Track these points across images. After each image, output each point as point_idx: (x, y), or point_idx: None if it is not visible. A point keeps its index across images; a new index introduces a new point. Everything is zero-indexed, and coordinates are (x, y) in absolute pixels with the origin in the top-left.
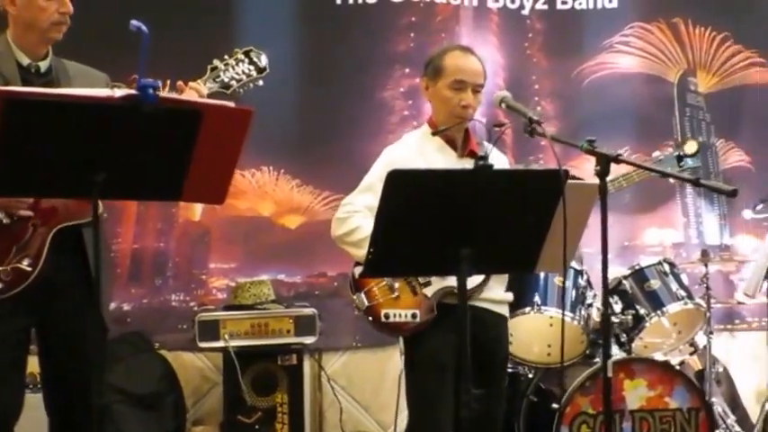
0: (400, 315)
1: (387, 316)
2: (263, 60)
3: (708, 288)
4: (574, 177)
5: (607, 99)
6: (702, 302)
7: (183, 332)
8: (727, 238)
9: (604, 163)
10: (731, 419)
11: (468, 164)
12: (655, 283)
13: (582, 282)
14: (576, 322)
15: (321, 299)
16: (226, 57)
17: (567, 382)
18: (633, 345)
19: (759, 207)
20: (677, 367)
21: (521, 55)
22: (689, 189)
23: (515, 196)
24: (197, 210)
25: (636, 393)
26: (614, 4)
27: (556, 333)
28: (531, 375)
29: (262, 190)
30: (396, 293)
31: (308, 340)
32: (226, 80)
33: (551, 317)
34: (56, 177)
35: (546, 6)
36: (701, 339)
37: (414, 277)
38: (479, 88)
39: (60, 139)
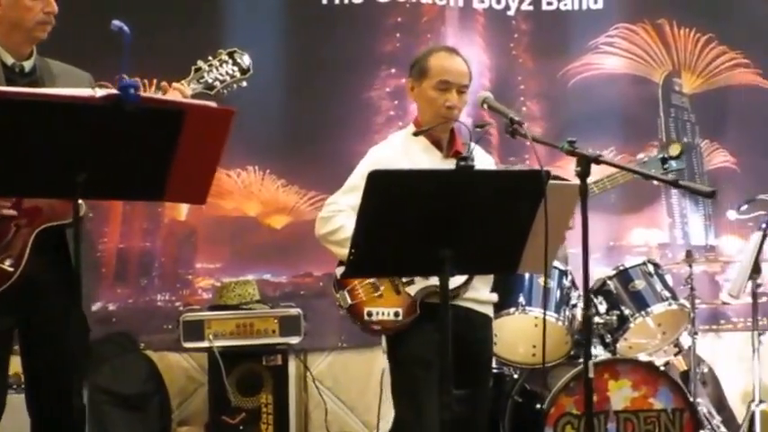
0: (383, 313)
1: (369, 314)
2: (247, 61)
3: (692, 289)
4: (557, 178)
5: (592, 100)
6: (687, 303)
7: (169, 332)
8: (712, 238)
9: (585, 164)
10: (717, 420)
11: (453, 165)
12: (639, 284)
13: (566, 282)
14: (560, 323)
15: (307, 299)
16: (210, 58)
17: (552, 383)
18: (618, 345)
19: (743, 208)
20: (662, 368)
21: (506, 56)
22: (674, 190)
23: (497, 197)
24: (183, 210)
25: (620, 394)
26: (599, 5)
27: (541, 334)
28: (516, 376)
29: (248, 190)
30: (379, 292)
31: (293, 340)
32: (209, 81)
33: (536, 317)
34: (38, 177)
35: (531, 7)
36: (685, 340)
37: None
38: (464, 89)
39: (42, 139)
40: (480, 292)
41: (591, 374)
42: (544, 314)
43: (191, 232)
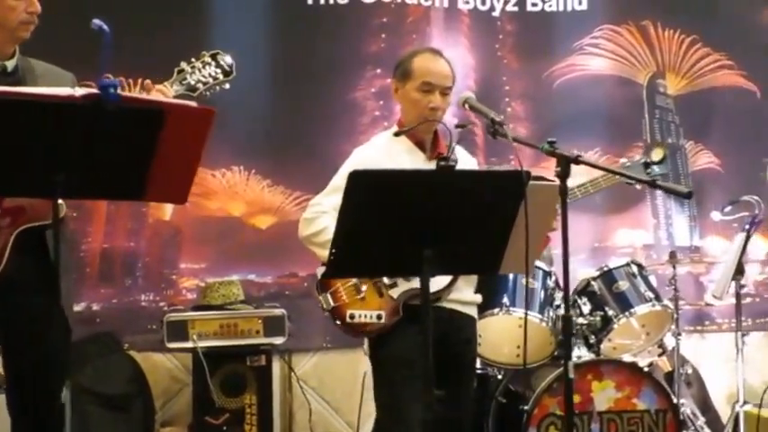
0: (365, 316)
1: (352, 316)
2: (230, 63)
3: (675, 290)
4: (539, 178)
5: (577, 101)
6: (670, 304)
7: (153, 333)
8: (697, 239)
9: (564, 164)
10: (701, 421)
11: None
12: (623, 285)
13: (550, 283)
14: (544, 324)
15: (292, 299)
16: (193, 59)
17: (536, 384)
18: (602, 346)
19: (727, 209)
20: (645, 369)
21: (491, 56)
22: (659, 191)
23: (477, 197)
24: (168, 210)
25: (604, 395)
26: (584, 7)
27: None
28: (500, 377)
29: (232, 190)
30: (362, 294)
31: (278, 341)
32: (192, 83)
33: (520, 318)
34: (17, 176)
35: (516, 8)
36: (669, 341)
37: (380, 278)
38: (448, 91)
39: (22, 138)
40: (464, 293)
41: (571, 375)
42: (525, 315)
43: (175, 232)
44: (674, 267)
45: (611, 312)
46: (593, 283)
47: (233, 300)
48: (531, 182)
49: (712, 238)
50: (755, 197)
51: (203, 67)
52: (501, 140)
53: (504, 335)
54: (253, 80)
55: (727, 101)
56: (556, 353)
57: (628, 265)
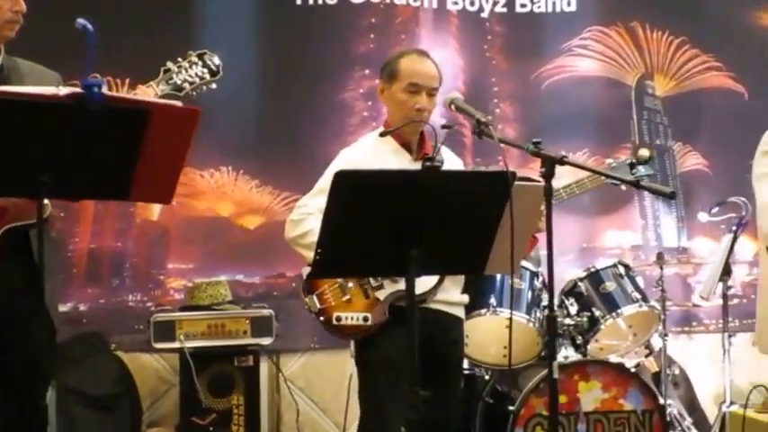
0: (352, 318)
1: (338, 318)
2: (217, 63)
3: (662, 291)
4: (526, 179)
5: (566, 102)
6: (657, 305)
7: (140, 333)
8: (684, 240)
9: (549, 165)
10: (688, 422)
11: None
12: (610, 285)
13: (537, 284)
14: (531, 324)
15: (280, 300)
16: (179, 59)
17: (523, 384)
18: (589, 347)
19: (715, 210)
20: (632, 369)
21: (480, 57)
22: (647, 192)
23: (462, 197)
24: (155, 210)
25: (590, 395)
26: (573, 8)
27: (512, 335)
28: (487, 377)
29: (221, 190)
30: (348, 296)
31: (265, 341)
32: (178, 82)
33: (507, 318)
34: (1, 176)
35: (505, 9)
36: (656, 341)
37: (366, 280)
38: (434, 92)
39: (5, 137)
40: (451, 294)
41: (556, 375)
42: (510, 315)
43: (163, 232)
44: (661, 268)
45: (598, 313)
46: (580, 283)
47: (221, 300)
48: (517, 182)
49: (700, 240)
50: (743, 198)
51: (190, 66)
52: (488, 141)
53: (492, 335)
54: (241, 81)
55: (715, 102)
56: (543, 353)
57: (615, 265)
